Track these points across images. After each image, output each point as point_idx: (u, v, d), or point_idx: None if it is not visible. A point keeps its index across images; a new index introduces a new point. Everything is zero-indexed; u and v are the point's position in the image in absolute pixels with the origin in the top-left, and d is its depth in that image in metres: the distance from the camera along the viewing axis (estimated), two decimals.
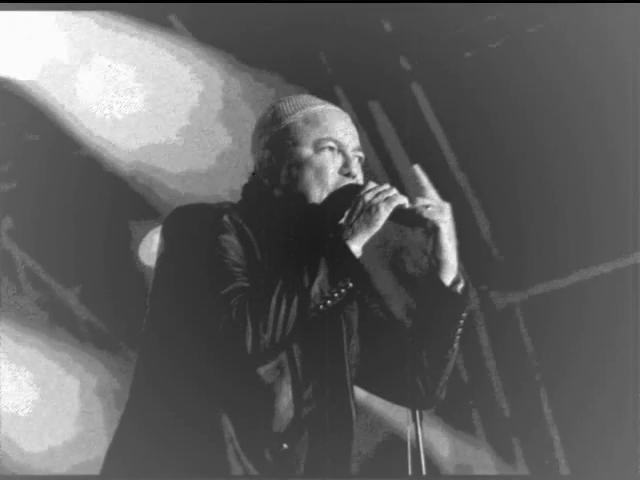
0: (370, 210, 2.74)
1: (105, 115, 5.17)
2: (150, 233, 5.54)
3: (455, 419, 5.74)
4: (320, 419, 2.77)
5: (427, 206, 2.80)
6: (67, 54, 5.03)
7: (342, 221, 2.76)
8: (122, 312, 5.62)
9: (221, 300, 2.64)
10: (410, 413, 2.87)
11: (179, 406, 2.69)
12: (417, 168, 2.86)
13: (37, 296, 5.91)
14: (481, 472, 5.71)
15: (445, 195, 2.84)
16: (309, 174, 2.82)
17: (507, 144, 5.27)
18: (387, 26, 5.20)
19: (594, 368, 5.27)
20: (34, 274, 5.90)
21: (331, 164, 2.84)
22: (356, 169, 2.87)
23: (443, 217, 2.80)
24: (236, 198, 2.90)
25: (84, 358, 5.64)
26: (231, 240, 2.74)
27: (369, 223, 2.74)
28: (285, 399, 2.73)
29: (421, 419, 2.85)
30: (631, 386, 5.05)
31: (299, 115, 2.88)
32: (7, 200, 5.57)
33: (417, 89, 5.41)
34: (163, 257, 2.79)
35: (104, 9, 4.95)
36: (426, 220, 2.79)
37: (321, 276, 2.67)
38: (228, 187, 4.61)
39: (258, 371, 2.71)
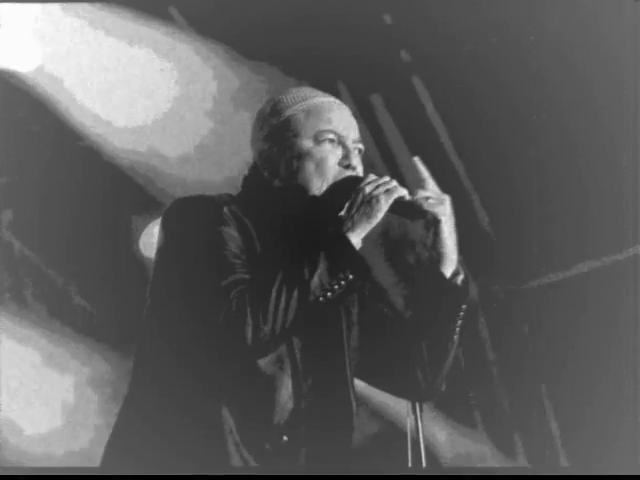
0: (370, 202, 2.74)
1: (106, 107, 5.17)
2: (150, 225, 5.53)
3: (455, 411, 5.74)
4: (320, 411, 2.77)
5: (427, 198, 2.80)
6: (67, 45, 5.03)
7: (342, 213, 2.75)
8: (122, 304, 5.60)
9: (221, 292, 2.63)
10: (410, 405, 2.88)
11: (179, 398, 2.69)
12: (417, 160, 2.86)
13: (36, 289, 5.90)
14: (481, 464, 5.72)
15: (445, 187, 2.84)
16: (309, 166, 2.82)
17: (507, 137, 5.27)
18: (387, 19, 5.20)
19: (594, 360, 5.27)
20: (33, 267, 5.88)
21: (331, 156, 2.83)
22: (356, 161, 2.86)
23: (443, 209, 2.80)
24: (235, 187, 2.90)
25: (82, 351, 5.63)
26: (231, 232, 2.74)
27: (369, 215, 2.73)
28: (285, 391, 2.73)
29: (421, 411, 2.86)
30: (631, 379, 5.06)
31: (300, 107, 2.87)
32: (7, 192, 5.56)
33: (417, 82, 5.40)
34: (163, 249, 2.79)
35: (105, 0, 4.96)
36: (426, 212, 2.79)
37: (321, 268, 2.66)
38: (227, 175, 4.62)
39: (258, 363, 2.71)
